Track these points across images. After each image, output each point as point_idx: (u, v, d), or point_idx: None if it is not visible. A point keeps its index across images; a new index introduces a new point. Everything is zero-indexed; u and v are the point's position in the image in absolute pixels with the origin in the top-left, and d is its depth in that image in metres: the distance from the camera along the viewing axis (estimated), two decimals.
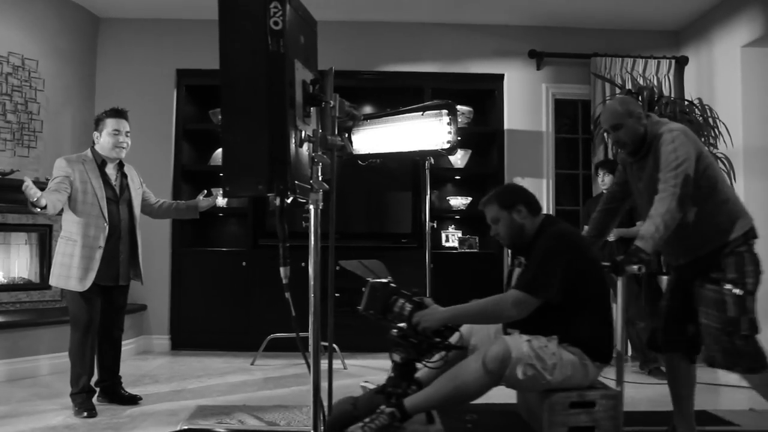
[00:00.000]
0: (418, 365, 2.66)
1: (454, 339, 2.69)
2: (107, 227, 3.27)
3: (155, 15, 5.34)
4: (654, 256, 2.64)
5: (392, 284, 2.82)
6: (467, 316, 2.56)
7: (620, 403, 2.54)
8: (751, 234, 2.54)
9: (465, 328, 2.77)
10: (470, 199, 5.42)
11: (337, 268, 2.32)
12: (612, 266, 2.54)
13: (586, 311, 2.55)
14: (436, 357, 2.67)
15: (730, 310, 2.44)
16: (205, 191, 3.73)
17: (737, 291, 2.45)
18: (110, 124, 3.31)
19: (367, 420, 2.44)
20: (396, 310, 2.73)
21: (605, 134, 2.66)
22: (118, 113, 3.36)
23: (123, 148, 3.34)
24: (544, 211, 2.80)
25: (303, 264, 2.10)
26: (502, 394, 2.75)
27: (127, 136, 3.36)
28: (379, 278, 2.88)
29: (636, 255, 2.44)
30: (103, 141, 3.31)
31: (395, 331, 2.69)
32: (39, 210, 2.93)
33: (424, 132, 3.88)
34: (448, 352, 2.62)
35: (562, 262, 2.50)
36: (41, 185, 4.45)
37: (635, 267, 2.44)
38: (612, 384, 2.69)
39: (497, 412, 3.15)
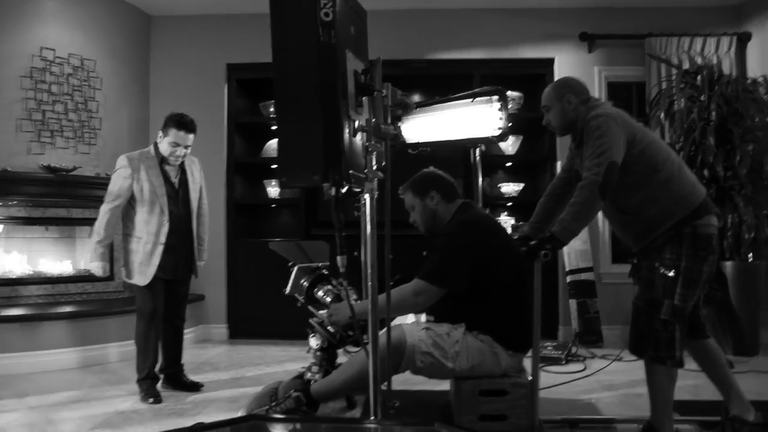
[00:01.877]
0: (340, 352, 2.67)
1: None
2: (168, 223, 3.37)
3: (205, 11, 5.43)
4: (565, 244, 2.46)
5: (323, 271, 2.82)
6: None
7: (534, 392, 2.44)
8: (702, 211, 2.37)
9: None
10: (522, 185, 5.35)
11: (391, 256, 2.33)
12: (525, 252, 2.44)
13: (497, 299, 2.49)
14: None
15: (656, 291, 2.35)
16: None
17: (667, 272, 2.33)
18: (172, 135, 3.33)
19: (273, 404, 2.51)
20: (319, 298, 2.78)
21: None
22: (183, 125, 3.33)
23: (178, 157, 3.38)
24: None
25: (355, 253, 2.12)
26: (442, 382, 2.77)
27: (186, 149, 3.38)
28: (311, 263, 2.87)
29: (550, 242, 2.35)
30: (163, 146, 3.37)
31: (316, 318, 2.73)
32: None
33: (474, 119, 3.83)
34: (358, 345, 2.58)
35: (465, 251, 2.45)
36: (101, 180, 4.68)
37: (542, 253, 2.34)
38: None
39: (429, 400, 3.10)
